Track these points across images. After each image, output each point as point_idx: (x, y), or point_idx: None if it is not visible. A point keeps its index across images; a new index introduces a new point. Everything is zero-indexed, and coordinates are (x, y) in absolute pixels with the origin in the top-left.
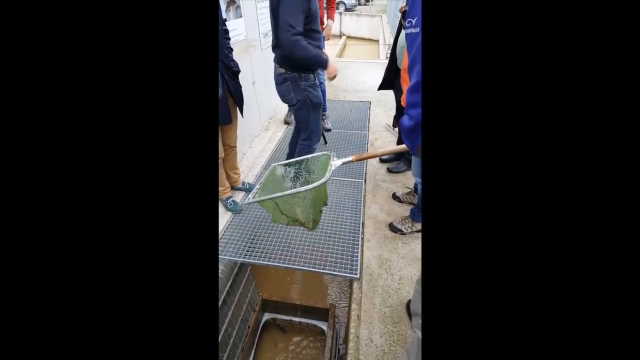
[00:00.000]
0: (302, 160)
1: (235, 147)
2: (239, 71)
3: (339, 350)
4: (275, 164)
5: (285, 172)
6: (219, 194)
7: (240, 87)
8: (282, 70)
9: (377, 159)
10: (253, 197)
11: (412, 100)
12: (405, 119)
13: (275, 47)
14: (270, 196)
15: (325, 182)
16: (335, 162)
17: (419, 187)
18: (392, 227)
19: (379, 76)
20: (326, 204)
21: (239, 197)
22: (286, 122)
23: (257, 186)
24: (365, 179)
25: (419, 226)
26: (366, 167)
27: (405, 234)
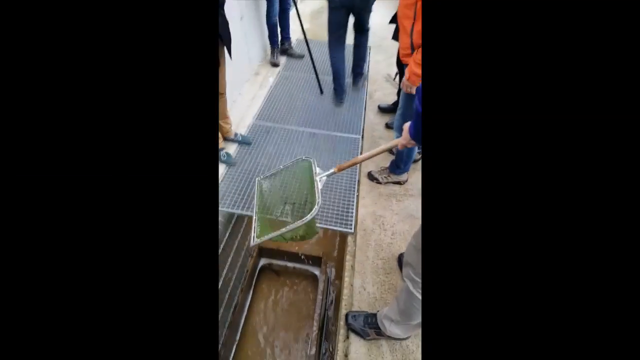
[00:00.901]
0: (282, 170)
1: (225, 94)
2: (224, 1)
3: (329, 291)
4: (258, 178)
5: (271, 185)
6: None
7: (227, 22)
8: None
9: (376, 108)
10: (258, 237)
11: None
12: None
13: None
14: (274, 234)
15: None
16: (321, 178)
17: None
18: (370, 176)
19: (383, 17)
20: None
21: (231, 149)
22: (274, 64)
23: (255, 217)
24: (362, 135)
25: (394, 178)
26: (364, 122)
27: (381, 183)
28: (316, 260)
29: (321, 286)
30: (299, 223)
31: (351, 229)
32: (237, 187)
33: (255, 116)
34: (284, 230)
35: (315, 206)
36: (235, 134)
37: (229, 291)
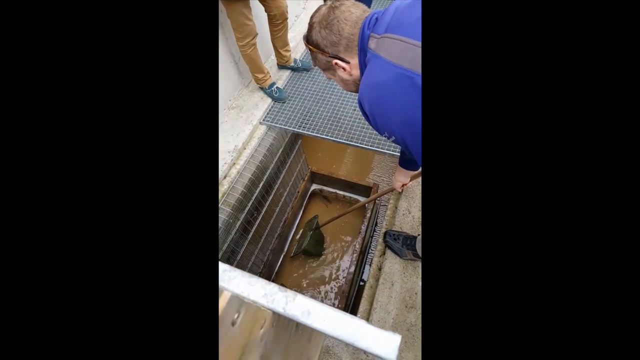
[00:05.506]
0: (307, 222)
1: (287, 15)
2: None
3: (376, 222)
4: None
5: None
6: (259, 81)
7: None
8: None
9: None
10: (296, 250)
11: None
12: None
13: None
14: (296, 250)
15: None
16: (312, 227)
17: None
18: None
19: None
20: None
21: (282, 78)
22: None
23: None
24: None
25: None
26: None
27: None
28: (367, 190)
29: (368, 214)
30: (296, 250)
31: None
32: (293, 106)
33: None
34: (297, 250)
35: (296, 249)
36: (295, 61)
37: (280, 205)
